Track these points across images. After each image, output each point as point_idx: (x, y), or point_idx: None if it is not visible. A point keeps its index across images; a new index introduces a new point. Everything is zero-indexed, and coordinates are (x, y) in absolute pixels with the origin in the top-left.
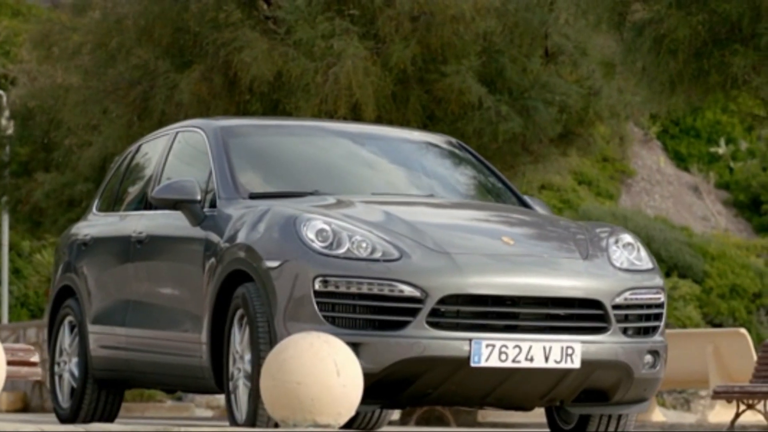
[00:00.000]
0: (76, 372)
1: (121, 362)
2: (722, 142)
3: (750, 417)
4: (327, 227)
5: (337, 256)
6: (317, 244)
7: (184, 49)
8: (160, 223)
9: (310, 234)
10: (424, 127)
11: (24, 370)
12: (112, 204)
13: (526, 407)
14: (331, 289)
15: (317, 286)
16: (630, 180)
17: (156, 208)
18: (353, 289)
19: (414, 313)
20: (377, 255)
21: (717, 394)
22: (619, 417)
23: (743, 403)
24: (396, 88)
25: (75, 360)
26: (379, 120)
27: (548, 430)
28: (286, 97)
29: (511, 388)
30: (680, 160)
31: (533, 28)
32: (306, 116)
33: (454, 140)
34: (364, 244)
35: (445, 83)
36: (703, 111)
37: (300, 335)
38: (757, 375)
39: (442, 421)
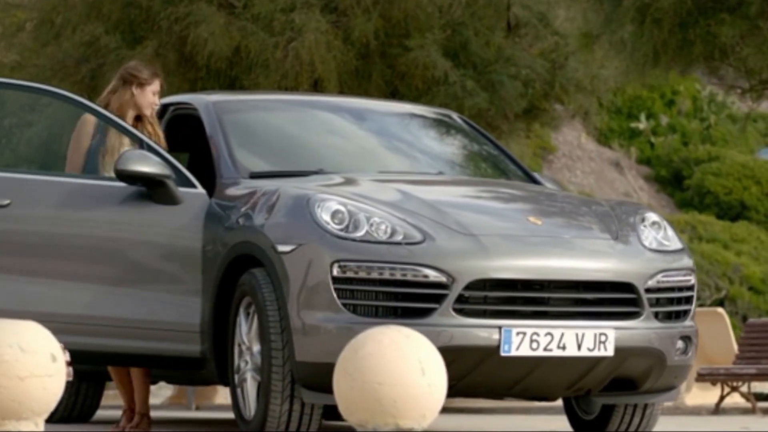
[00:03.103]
0: None
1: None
2: (643, 117)
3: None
4: (343, 208)
5: (354, 240)
6: (333, 227)
7: (135, 25)
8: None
9: (325, 216)
10: None
11: None
12: None
13: (551, 397)
14: (350, 275)
15: (335, 271)
16: (551, 156)
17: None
18: (374, 275)
19: (439, 299)
20: (398, 238)
21: (701, 377)
22: (645, 407)
23: (728, 385)
24: (358, 63)
25: None
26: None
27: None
28: (243, 73)
29: (539, 378)
30: (601, 136)
31: None
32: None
33: (456, 114)
34: (383, 226)
35: (409, 58)
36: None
37: (378, 330)
38: (740, 356)
39: None
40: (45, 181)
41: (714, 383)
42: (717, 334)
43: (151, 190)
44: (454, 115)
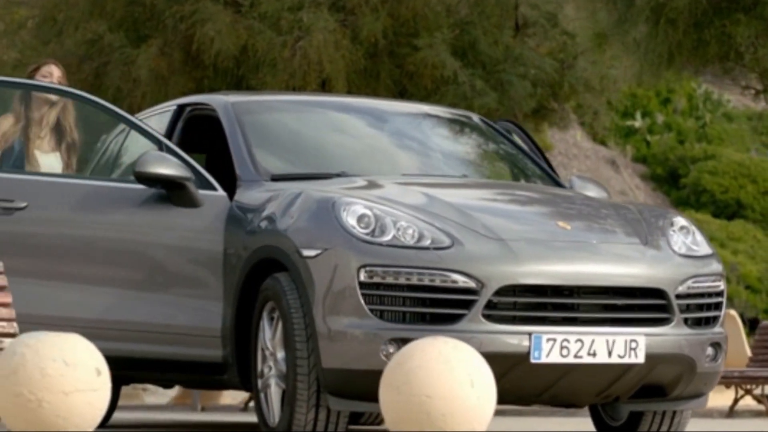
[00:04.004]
0: None
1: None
2: (638, 115)
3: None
4: (369, 212)
5: (381, 244)
6: (359, 231)
7: (139, 23)
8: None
9: (351, 220)
10: None
11: None
12: None
13: (579, 404)
14: (377, 280)
15: (362, 276)
16: (547, 154)
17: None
18: (402, 280)
19: (469, 305)
20: (426, 242)
21: None
22: (674, 414)
23: (742, 388)
24: (366, 62)
25: None
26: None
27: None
28: (250, 72)
29: (568, 385)
30: (596, 134)
31: None
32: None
33: (475, 115)
34: (410, 231)
35: (418, 57)
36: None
37: (425, 341)
38: (754, 359)
39: None
40: (63, 183)
41: (728, 386)
42: (730, 336)
43: (171, 192)
44: (474, 116)
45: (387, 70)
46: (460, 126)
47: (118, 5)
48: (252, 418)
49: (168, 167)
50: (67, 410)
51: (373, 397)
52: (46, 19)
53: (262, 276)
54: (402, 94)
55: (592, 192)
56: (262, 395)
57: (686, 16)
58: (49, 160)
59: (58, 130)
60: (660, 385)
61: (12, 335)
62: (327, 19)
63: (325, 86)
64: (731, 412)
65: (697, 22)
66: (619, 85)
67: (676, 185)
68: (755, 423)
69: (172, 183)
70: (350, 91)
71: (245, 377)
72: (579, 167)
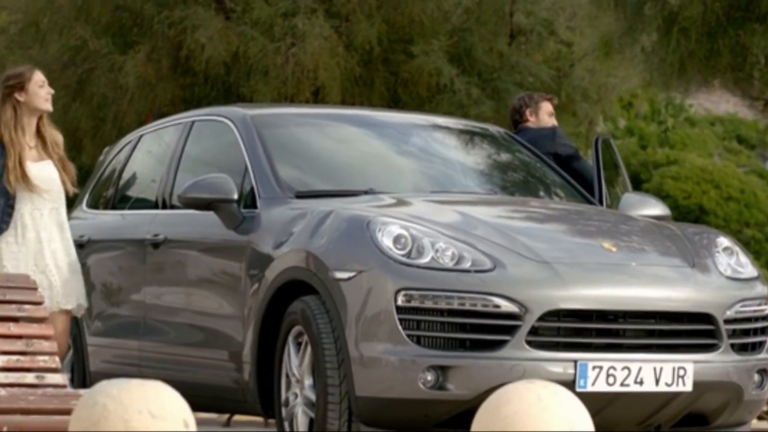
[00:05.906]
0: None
1: None
2: (600, 120)
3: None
4: (405, 232)
5: (419, 266)
6: (396, 252)
7: (126, 29)
8: (181, 224)
9: (387, 240)
10: None
11: None
12: (108, 202)
13: None
14: (415, 304)
15: (399, 301)
16: None
17: (176, 207)
18: (441, 305)
19: (512, 331)
20: (466, 265)
21: None
22: None
23: None
24: (360, 69)
25: (67, 377)
26: (342, 104)
27: None
28: (242, 80)
29: (611, 414)
30: None
31: (499, 4)
32: (268, 100)
33: (501, 130)
34: (449, 252)
35: (414, 65)
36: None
37: (521, 384)
38: None
39: None
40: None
41: None
42: None
43: (217, 215)
44: (501, 131)
45: (381, 77)
46: (483, 139)
47: (105, 11)
48: None
49: (199, 191)
50: None
51: (408, 427)
52: (30, 24)
53: (287, 299)
54: (396, 103)
55: (651, 209)
56: (286, 423)
57: (699, 25)
58: (45, 171)
59: (40, 138)
60: (703, 414)
61: (55, 370)
62: (322, 26)
63: (318, 94)
64: None
65: (710, 31)
66: (618, 93)
67: (639, 189)
68: None
69: (209, 206)
70: (344, 100)
71: (267, 404)
72: None
